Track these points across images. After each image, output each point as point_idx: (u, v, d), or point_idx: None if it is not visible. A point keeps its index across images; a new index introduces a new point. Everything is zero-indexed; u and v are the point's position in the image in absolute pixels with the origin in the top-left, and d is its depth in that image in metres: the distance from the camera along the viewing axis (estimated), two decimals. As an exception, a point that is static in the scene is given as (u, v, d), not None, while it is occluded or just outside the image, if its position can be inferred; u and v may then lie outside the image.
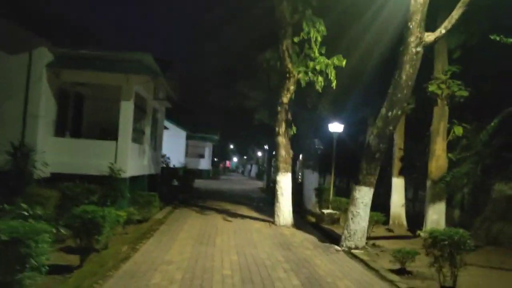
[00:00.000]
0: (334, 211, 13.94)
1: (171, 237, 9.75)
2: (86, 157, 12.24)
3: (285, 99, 12.00)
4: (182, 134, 38.91)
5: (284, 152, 12.27)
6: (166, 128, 28.99)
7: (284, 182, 12.32)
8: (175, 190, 20.17)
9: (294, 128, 12.45)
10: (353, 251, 9.26)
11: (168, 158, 22.50)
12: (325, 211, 14.02)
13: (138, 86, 13.75)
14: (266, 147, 35.01)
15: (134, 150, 13.94)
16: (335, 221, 13.67)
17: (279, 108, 12.17)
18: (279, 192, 12.33)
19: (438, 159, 11.78)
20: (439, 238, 6.45)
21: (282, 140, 12.27)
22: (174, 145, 35.94)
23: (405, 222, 14.01)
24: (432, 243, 6.66)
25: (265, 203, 19.99)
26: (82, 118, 15.15)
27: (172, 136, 35.89)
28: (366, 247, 9.58)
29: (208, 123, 43.70)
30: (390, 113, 9.13)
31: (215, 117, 43.42)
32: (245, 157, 68.40)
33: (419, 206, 15.62)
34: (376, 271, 7.74)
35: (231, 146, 67.84)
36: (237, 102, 33.98)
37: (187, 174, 23.94)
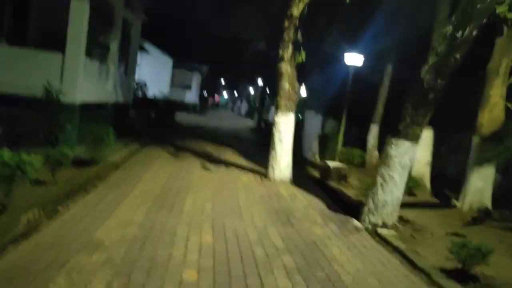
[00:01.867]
0: (342, 165, 11.09)
1: (120, 192, 6.79)
2: (17, 72, 8.98)
3: (295, 11, 8.65)
4: (167, 61, 35.14)
5: (288, 84, 9.11)
6: (144, 50, 25.35)
7: (285, 125, 9.29)
8: (150, 123, 17.12)
9: (303, 54, 9.22)
10: (379, 230, 6.46)
11: (145, 86, 19.20)
12: (331, 163, 11.17)
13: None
14: (259, 82, 31.70)
15: (91, 68, 10.67)
16: (342, 177, 10.86)
17: (286, 24, 8.84)
18: (276, 138, 9.33)
19: (493, 108, 8.77)
20: None
21: (286, 68, 9.06)
22: (157, 73, 32.43)
23: (428, 184, 11.27)
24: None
25: (256, 147, 17.14)
26: (28, 20, 11.55)
27: (155, 63, 32.25)
28: (397, 224, 6.79)
29: (198, 51, 39.89)
30: (460, 33, 5.95)
31: (206, 45, 39.58)
32: (235, 92, 64.96)
33: (442, 166, 12.86)
34: (426, 274, 4.96)
35: (222, 81, 64.20)
36: (232, 31, 30.25)
37: (167, 106, 20.77)
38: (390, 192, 6.52)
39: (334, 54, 12.84)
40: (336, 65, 14.08)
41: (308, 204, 7.69)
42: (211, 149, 13.68)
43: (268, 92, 30.83)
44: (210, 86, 56.57)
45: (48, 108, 7.93)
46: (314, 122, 14.09)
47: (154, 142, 13.34)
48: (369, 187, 7.03)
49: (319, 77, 13.78)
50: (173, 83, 37.62)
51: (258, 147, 17.06)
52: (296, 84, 9.22)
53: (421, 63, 6.56)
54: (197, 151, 12.67)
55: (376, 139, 14.68)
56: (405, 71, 14.71)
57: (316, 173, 11.35)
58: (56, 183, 6.51)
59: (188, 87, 40.29)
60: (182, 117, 27.46)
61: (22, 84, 8.59)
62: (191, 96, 40.34)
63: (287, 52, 8.90)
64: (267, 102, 33.49)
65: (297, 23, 8.73)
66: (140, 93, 18.61)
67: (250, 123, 34.23)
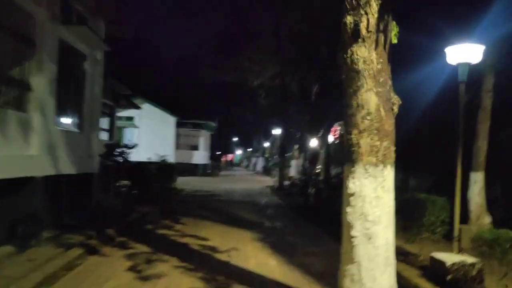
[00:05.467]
0: (472, 259, 5.52)
1: None
2: None
3: None
4: (170, 120, 30.62)
5: (376, 97, 3.65)
6: (137, 106, 20.59)
7: (375, 199, 3.71)
8: (129, 200, 11.82)
9: (395, 26, 3.89)
10: None
11: (128, 148, 14.08)
12: (447, 257, 5.60)
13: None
14: (277, 131, 26.69)
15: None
16: (474, 281, 5.29)
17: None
18: (356, 231, 3.71)
19: None
20: None
21: (368, 57, 3.59)
22: (158, 134, 27.91)
23: None
24: None
25: (285, 219, 11.63)
26: None
27: (155, 123, 27.82)
28: None
29: (203, 106, 35.48)
30: None
31: (211, 98, 35.28)
32: (249, 149, 60.12)
33: None
34: None
35: (235, 138, 59.75)
36: (238, 77, 25.74)
37: (162, 171, 15.56)
38: None
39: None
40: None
41: None
42: (217, 239, 8.16)
43: (287, 141, 25.73)
44: (222, 144, 51.81)
45: None
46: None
47: (123, 236, 7.94)
48: None
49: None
50: (179, 144, 32.83)
51: (289, 217, 11.60)
52: (393, 95, 3.80)
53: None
54: (190, 250, 7.20)
55: (483, 196, 9.02)
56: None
57: (412, 275, 5.67)
58: None
59: (195, 147, 35.36)
60: (187, 182, 22.27)
61: None
62: (199, 157, 35.29)
63: (366, 18, 3.57)
64: (289, 155, 28.20)
65: None
66: (121, 159, 13.49)
67: (268, 180, 28.79)
